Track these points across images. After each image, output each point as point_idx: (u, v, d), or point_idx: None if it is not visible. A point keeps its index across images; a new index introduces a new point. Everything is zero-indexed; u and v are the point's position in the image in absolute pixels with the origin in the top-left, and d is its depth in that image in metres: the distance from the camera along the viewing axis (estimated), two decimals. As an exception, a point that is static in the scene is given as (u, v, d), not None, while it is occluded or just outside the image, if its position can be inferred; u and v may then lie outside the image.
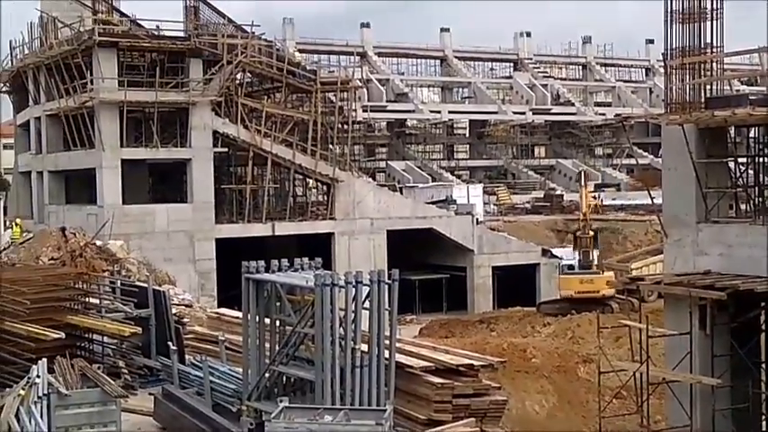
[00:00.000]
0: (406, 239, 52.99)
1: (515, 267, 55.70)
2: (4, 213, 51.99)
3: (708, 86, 19.94)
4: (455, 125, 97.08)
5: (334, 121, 53.06)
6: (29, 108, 56.84)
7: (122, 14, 54.04)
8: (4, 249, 35.51)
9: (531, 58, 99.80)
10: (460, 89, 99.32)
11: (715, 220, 19.38)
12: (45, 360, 14.56)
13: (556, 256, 54.97)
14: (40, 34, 53.45)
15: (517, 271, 55.54)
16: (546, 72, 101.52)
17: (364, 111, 75.53)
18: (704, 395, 18.48)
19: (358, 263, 45.59)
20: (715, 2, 19.34)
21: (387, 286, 13.31)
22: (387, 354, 13.45)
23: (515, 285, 54.55)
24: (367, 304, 13.25)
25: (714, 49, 19.70)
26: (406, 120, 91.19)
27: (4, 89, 62.72)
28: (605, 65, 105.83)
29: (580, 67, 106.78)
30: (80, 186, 51.27)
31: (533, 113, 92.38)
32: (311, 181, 54.94)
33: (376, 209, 53.21)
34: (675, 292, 18.98)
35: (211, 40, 49.55)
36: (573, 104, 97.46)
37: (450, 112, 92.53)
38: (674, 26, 19.69)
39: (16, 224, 44.79)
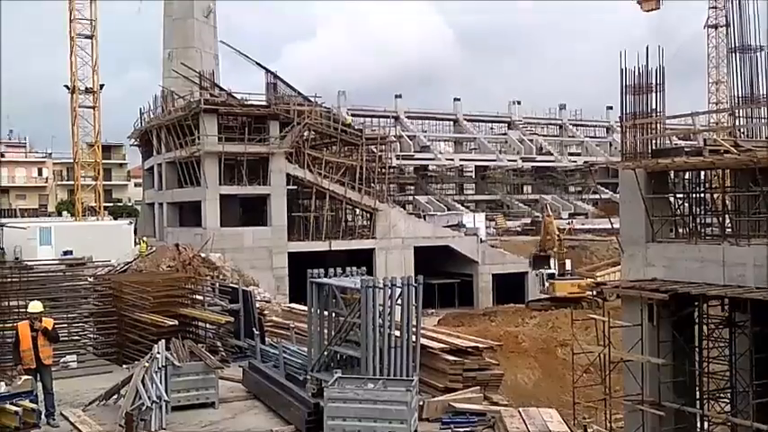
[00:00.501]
0: (427, 253, 52.83)
1: (509, 275, 55.30)
2: (135, 233, 52.63)
3: (653, 141, 19.78)
4: (464, 169, 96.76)
5: (375, 166, 53.21)
6: (152, 157, 57.49)
7: (221, 89, 54.61)
8: (134, 260, 35.79)
9: (521, 120, 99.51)
10: (468, 143, 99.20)
11: (659, 241, 19.16)
12: (163, 341, 14.69)
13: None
14: (161, 103, 54.25)
15: (511, 277, 55.15)
16: (532, 130, 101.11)
17: (397, 159, 75.70)
18: (652, 371, 18.19)
19: (392, 271, 45.51)
20: (657, 78, 19.24)
21: (414, 288, 13.30)
22: (414, 338, 13.41)
23: (509, 288, 54.17)
24: (399, 301, 13.24)
25: (657, 114, 19.56)
26: (428, 165, 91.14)
27: (135, 143, 63.78)
28: (576, 125, 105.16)
29: (558, 127, 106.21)
30: (189, 214, 51.71)
31: (522, 161, 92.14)
32: (358, 210, 55.07)
33: (406, 231, 53.10)
34: (630, 294, 18.76)
35: (285, 107, 49.99)
36: (552, 154, 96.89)
37: (460, 159, 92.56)
38: (627, 96, 19.60)
39: (143, 241, 45.13)
